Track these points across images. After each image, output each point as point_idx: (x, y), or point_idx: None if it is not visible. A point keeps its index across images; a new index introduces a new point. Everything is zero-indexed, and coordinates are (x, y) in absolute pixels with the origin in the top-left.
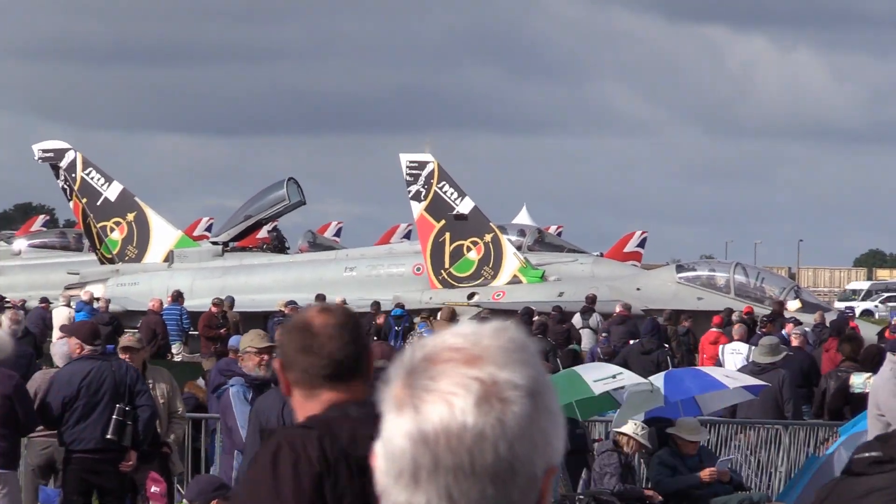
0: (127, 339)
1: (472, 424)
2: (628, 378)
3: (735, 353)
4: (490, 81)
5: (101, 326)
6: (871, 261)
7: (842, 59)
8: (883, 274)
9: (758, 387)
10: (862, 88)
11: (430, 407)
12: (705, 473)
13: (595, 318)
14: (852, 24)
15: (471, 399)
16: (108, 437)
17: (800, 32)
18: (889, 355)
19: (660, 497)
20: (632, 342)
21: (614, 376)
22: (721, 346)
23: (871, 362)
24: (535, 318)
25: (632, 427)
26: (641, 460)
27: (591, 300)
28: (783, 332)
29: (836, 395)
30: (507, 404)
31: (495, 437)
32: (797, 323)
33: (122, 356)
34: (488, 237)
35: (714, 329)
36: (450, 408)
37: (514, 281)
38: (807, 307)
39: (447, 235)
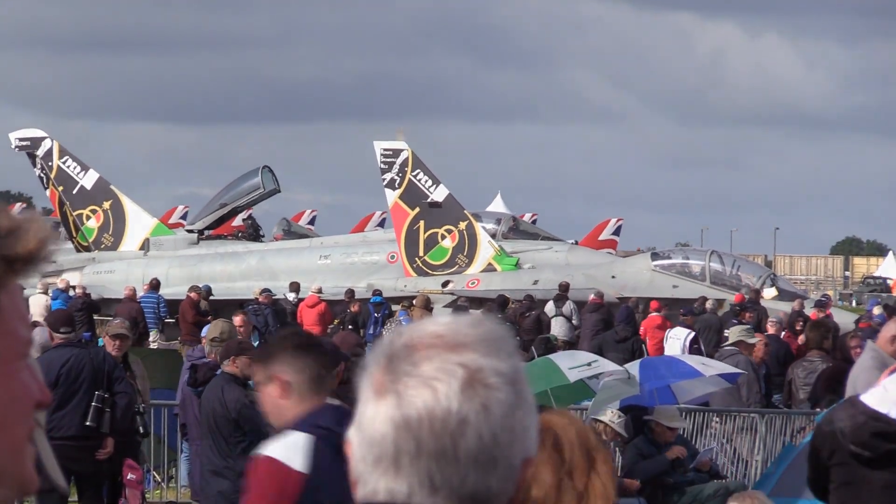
0: (118, 325)
1: (456, 409)
2: (603, 366)
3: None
4: (460, 69)
5: (74, 314)
6: (848, 248)
7: (812, 46)
8: (860, 262)
9: (734, 374)
10: (833, 75)
11: (413, 392)
12: (673, 452)
13: (568, 306)
14: (821, 11)
15: (455, 384)
16: (88, 423)
17: (769, 19)
18: (869, 343)
19: (637, 484)
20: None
21: (589, 364)
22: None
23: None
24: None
25: (609, 415)
26: (617, 448)
27: (564, 288)
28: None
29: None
30: (492, 391)
31: (479, 423)
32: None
33: (113, 343)
34: (463, 225)
35: (656, 314)
36: (434, 393)
37: (489, 269)
38: (783, 295)
39: (421, 223)
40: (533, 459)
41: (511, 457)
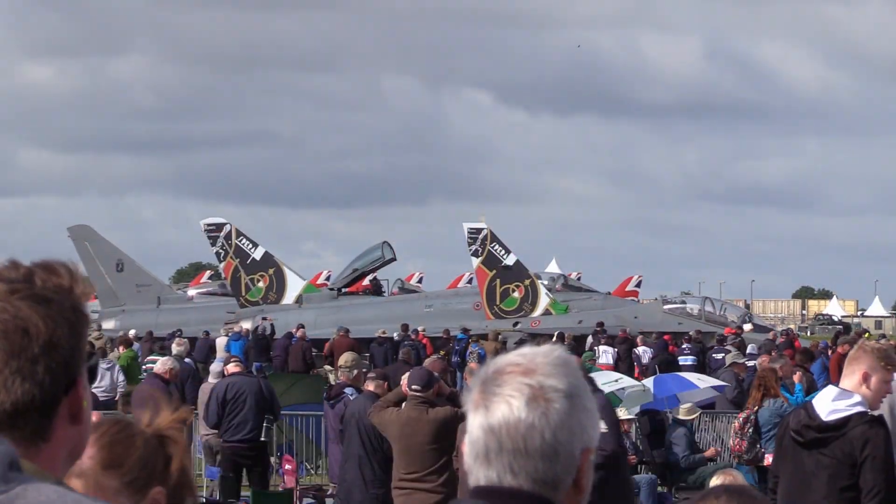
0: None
1: (524, 418)
2: (626, 381)
3: None
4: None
5: (249, 350)
6: (804, 294)
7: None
8: (813, 303)
9: (722, 386)
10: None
11: (495, 406)
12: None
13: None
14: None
15: (523, 400)
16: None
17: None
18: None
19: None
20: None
21: (616, 380)
22: None
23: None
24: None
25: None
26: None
27: (601, 325)
28: None
29: None
30: (550, 403)
31: (542, 427)
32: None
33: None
34: (527, 282)
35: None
36: (509, 406)
37: (546, 313)
38: (758, 328)
39: (498, 281)
40: (592, 450)
41: (571, 449)
